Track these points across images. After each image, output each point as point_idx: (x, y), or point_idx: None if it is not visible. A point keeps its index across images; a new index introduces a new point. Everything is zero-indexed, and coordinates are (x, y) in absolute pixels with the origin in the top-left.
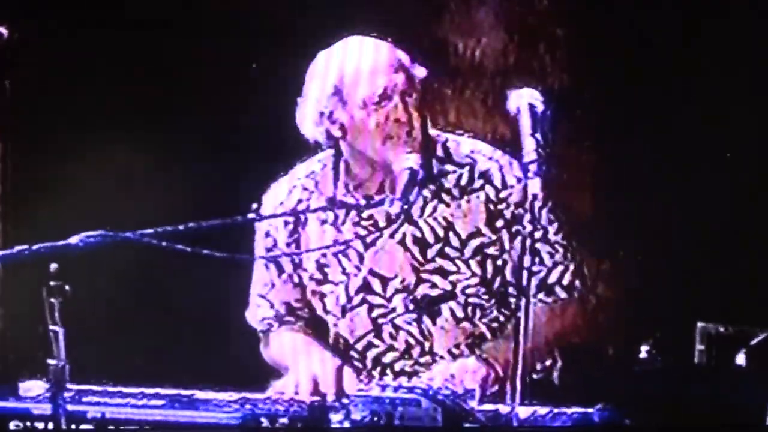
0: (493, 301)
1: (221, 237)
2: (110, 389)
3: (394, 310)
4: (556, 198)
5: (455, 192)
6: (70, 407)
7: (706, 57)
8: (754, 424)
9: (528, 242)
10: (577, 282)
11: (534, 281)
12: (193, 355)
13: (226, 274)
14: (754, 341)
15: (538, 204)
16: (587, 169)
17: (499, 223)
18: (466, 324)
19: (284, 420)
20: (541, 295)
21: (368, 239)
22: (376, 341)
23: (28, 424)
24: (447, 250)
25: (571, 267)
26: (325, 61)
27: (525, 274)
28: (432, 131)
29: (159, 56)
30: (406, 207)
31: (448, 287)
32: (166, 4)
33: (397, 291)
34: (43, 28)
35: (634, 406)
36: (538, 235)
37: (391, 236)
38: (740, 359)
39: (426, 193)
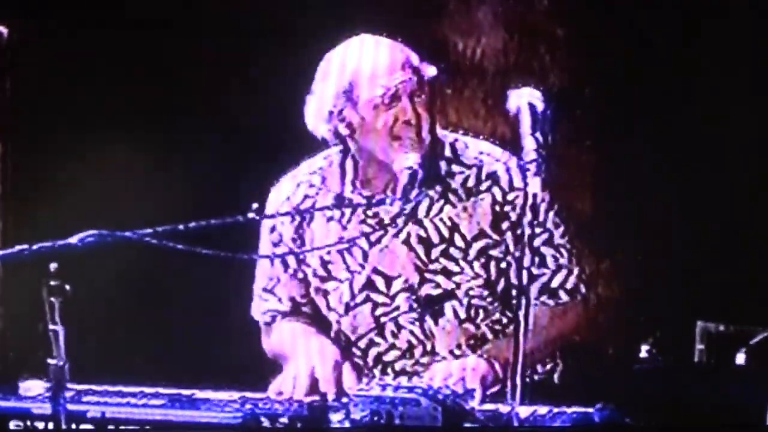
0: (496, 303)
1: (221, 236)
2: (110, 389)
3: (397, 308)
4: (561, 201)
5: (462, 193)
6: (70, 407)
7: (706, 57)
8: (754, 424)
9: (530, 243)
10: (581, 286)
11: (537, 284)
12: (193, 354)
13: (226, 274)
14: (754, 341)
15: (544, 207)
16: (587, 169)
17: (505, 225)
18: (468, 325)
19: (284, 420)
20: (543, 298)
21: (373, 237)
22: (378, 339)
23: (28, 423)
24: (451, 250)
25: (576, 271)
26: (334, 60)
27: (525, 273)
28: (440, 131)
29: (159, 56)
30: (404, 207)
31: (453, 287)
32: (166, 3)
33: (400, 290)
34: (43, 28)
35: (634, 406)
36: (543, 238)
37: (396, 235)
38: (740, 359)
39: (432, 193)
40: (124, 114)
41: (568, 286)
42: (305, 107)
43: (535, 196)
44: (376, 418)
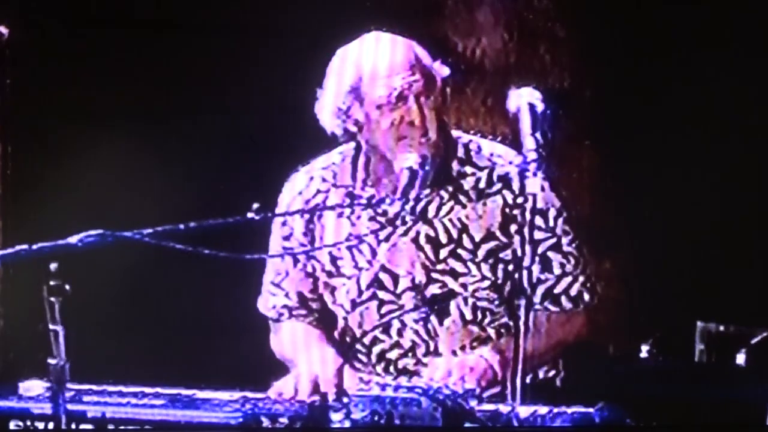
0: (503, 306)
1: (222, 236)
2: (110, 389)
3: (403, 307)
4: (572, 208)
5: (473, 194)
6: (70, 407)
7: (707, 56)
8: (754, 424)
9: (534, 246)
10: (585, 294)
11: (541, 289)
12: (193, 354)
13: (225, 274)
14: (754, 341)
15: (553, 213)
16: (587, 169)
17: (513, 228)
18: (473, 327)
19: (284, 420)
20: (546, 304)
21: (382, 235)
22: (383, 337)
23: (28, 423)
24: (459, 251)
25: (581, 279)
26: (345, 56)
27: (526, 276)
28: (455, 132)
29: (159, 55)
30: (404, 207)
31: (458, 289)
32: (166, 3)
33: (407, 288)
34: (43, 28)
35: (634, 406)
36: (551, 243)
37: (405, 234)
38: (740, 359)
39: (443, 193)
40: (125, 114)
41: (572, 293)
42: (317, 101)
43: (534, 196)
44: (376, 418)
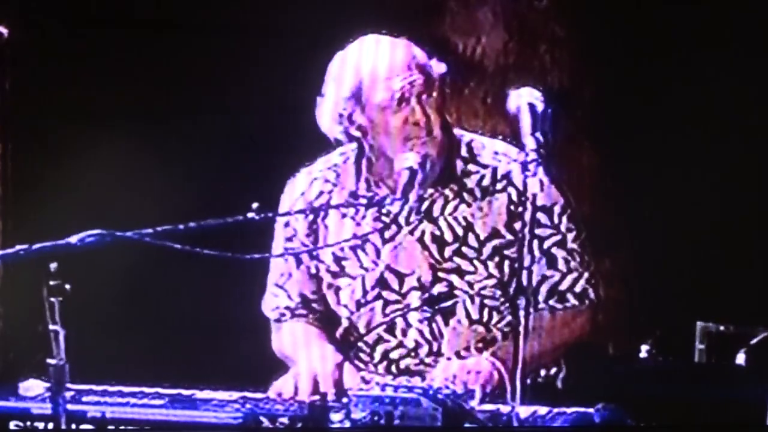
0: (507, 305)
1: (222, 236)
2: (110, 389)
3: (407, 306)
4: (577, 205)
5: (477, 192)
6: (70, 407)
7: (707, 56)
8: (754, 424)
9: (540, 244)
10: (590, 291)
11: (546, 286)
12: (193, 354)
13: (225, 274)
14: (754, 341)
15: (557, 210)
16: (587, 169)
17: (518, 226)
18: (479, 327)
19: (284, 420)
20: (552, 302)
21: (387, 235)
22: (388, 336)
23: (28, 423)
24: (465, 249)
25: (586, 275)
26: (343, 62)
27: (525, 273)
28: (457, 131)
29: (159, 55)
30: (404, 207)
31: (465, 287)
32: (166, 3)
33: (412, 288)
34: (43, 28)
35: (634, 406)
36: (555, 239)
37: (410, 233)
38: (740, 359)
39: (448, 192)
40: (125, 114)
41: (577, 289)
42: (317, 110)
43: (534, 196)
44: (376, 418)
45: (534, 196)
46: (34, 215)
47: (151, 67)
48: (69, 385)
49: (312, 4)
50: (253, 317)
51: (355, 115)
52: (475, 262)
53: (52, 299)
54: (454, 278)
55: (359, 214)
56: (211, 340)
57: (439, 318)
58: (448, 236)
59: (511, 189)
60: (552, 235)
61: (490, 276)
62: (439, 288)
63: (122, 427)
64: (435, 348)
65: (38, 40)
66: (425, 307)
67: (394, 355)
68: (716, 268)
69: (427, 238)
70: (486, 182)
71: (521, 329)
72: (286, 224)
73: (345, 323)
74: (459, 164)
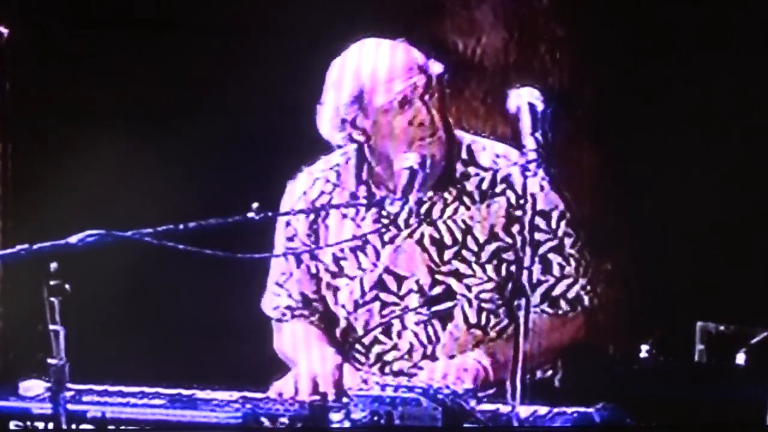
0: (504, 308)
1: (222, 236)
2: (110, 389)
3: (405, 309)
4: (577, 206)
5: (476, 195)
6: (70, 407)
7: (707, 56)
8: (754, 424)
9: (535, 247)
10: (584, 297)
11: (540, 290)
12: (193, 354)
13: (225, 274)
14: (754, 341)
15: (556, 215)
16: (587, 169)
17: (516, 229)
18: (476, 331)
19: (284, 420)
20: (544, 306)
21: (387, 237)
22: (383, 338)
23: (28, 423)
24: (464, 253)
25: (581, 282)
26: (342, 67)
27: (525, 275)
28: (458, 132)
29: (159, 55)
30: (403, 207)
31: (463, 290)
32: (166, 3)
33: (410, 291)
34: (43, 28)
35: (634, 406)
36: (552, 245)
37: (410, 235)
38: (740, 358)
39: (447, 195)
40: (125, 114)
41: (570, 295)
42: (317, 117)
43: (534, 195)
44: (376, 418)
45: (534, 197)
46: (34, 215)
47: (151, 67)
48: (69, 385)
49: (312, 4)
50: (253, 317)
51: (358, 120)
52: (474, 265)
53: (52, 299)
54: (453, 281)
55: (359, 216)
56: (211, 340)
57: (436, 321)
58: (447, 239)
59: (510, 192)
60: (548, 240)
61: (488, 279)
62: (438, 291)
63: (122, 427)
64: (429, 351)
65: (38, 40)
66: (422, 310)
67: (388, 357)
68: (716, 268)
69: (427, 241)
70: (485, 185)
71: (521, 329)
72: (287, 224)
73: (343, 323)
74: (459, 167)
